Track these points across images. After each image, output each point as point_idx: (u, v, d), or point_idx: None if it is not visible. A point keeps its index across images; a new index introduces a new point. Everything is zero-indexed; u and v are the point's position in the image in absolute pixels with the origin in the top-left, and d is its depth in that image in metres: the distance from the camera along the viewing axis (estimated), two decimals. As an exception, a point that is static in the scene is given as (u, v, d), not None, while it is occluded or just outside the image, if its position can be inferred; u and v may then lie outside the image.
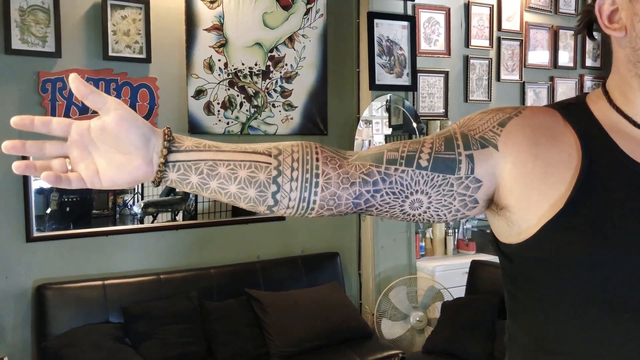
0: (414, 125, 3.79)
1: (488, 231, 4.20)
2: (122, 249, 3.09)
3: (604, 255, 0.67)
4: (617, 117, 0.74)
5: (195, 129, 3.18)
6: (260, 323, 3.04)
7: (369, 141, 3.75)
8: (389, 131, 3.83)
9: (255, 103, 3.35)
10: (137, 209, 3.18)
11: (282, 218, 3.52)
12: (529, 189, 0.71)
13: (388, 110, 3.80)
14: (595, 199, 0.69)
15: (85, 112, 2.92)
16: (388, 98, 3.72)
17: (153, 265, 3.15)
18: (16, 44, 2.76)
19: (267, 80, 3.38)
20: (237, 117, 3.30)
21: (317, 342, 3.03)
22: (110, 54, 2.95)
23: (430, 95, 4.03)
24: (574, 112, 0.75)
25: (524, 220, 0.73)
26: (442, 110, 4.09)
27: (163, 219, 3.23)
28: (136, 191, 3.19)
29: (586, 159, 0.70)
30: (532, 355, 0.77)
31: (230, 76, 3.27)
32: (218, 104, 3.24)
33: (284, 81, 3.43)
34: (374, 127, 3.77)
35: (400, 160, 0.72)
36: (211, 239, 3.33)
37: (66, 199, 3.00)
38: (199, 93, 3.19)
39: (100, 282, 2.93)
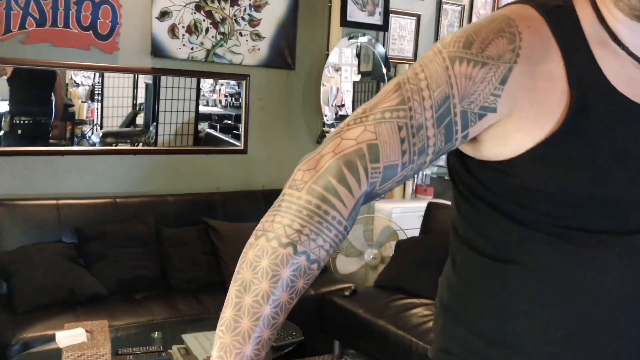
0: (384, 71, 3.76)
1: (447, 178, 4.28)
2: (78, 170, 3.03)
3: (579, 185, 0.67)
4: (601, 30, 0.70)
5: (158, 52, 3.09)
6: (216, 252, 3.05)
7: (337, 88, 3.71)
8: (357, 77, 3.80)
9: (222, 30, 3.26)
10: (95, 139, 3.10)
11: (243, 151, 3.49)
12: (515, 132, 0.69)
13: (358, 56, 3.76)
14: (577, 133, 0.67)
15: (42, 24, 2.79)
16: (359, 44, 3.67)
17: (110, 189, 3.10)
18: (-32, -56, 2.59)
19: (235, 7, 3.28)
20: (202, 43, 3.21)
21: (272, 273, 3.07)
22: (71, -36, 2.82)
23: (400, 37, 3.99)
24: (561, 21, 0.70)
25: (498, 155, 0.71)
26: (411, 55, 4.06)
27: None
28: (95, 122, 3.11)
29: (573, 92, 0.68)
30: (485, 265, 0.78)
31: None
32: (183, 27, 3.14)
33: (252, 9, 3.33)
34: (343, 74, 3.73)
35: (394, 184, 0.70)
36: (170, 166, 3.30)
37: (18, 121, 2.90)
38: (164, 15, 3.08)
39: (54, 202, 2.88)
